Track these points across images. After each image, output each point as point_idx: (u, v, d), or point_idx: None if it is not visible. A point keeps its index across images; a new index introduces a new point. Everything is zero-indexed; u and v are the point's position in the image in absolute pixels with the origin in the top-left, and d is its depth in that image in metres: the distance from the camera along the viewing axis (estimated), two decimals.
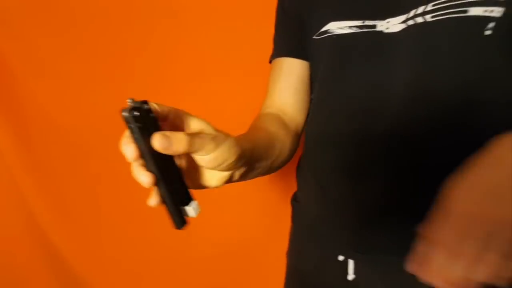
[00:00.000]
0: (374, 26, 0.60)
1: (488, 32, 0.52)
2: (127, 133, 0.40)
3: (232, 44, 1.03)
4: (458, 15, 0.53)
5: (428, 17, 0.56)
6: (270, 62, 0.77)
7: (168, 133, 0.39)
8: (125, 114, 0.37)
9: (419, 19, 0.56)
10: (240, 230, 1.11)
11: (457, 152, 0.50)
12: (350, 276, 0.66)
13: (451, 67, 0.55)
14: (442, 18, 0.54)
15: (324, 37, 0.65)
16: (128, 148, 0.40)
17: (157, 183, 0.39)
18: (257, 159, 0.56)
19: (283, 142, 0.65)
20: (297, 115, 0.73)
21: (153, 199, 0.43)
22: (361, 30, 0.61)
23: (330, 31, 0.64)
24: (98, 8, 1.07)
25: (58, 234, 1.15)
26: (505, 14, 0.50)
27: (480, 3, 0.51)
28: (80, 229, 1.15)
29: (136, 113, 0.37)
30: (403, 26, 0.58)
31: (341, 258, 0.67)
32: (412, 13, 0.57)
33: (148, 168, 0.39)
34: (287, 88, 0.73)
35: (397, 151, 0.59)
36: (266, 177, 0.68)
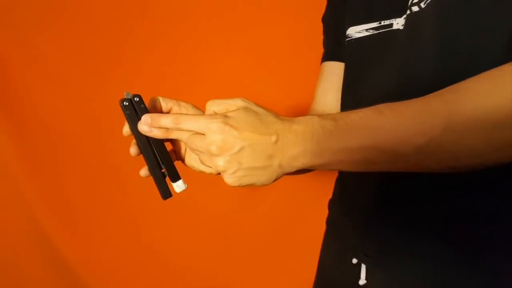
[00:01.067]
0: (390, 25, 0.61)
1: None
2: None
3: (232, 44, 1.03)
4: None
5: (422, 4, 0.56)
6: (322, 61, 0.83)
7: (145, 117, 0.50)
8: (120, 103, 0.50)
9: (414, 8, 0.57)
10: (240, 230, 1.11)
11: None
12: (362, 281, 0.66)
13: (437, 51, 0.54)
14: (429, 4, 0.55)
15: (347, 41, 0.69)
16: (124, 128, 0.53)
17: (145, 159, 0.52)
18: None
19: None
20: (338, 110, 0.76)
21: (142, 171, 0.55)
22: (378, 32, 0.63)
23: (349, 35, 0.68)
24: (98, 8, 1.06)
25: (58, 235, 1.15)
26: None
27: None
28: (80, 229, 1.15)
29: (126, 103, 0.50)
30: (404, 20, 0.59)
31: (355, 261, 0.68)
32: (409, 2, 0.57)
33: (136, 144, 0.52)
34: (328, 89, 0.77)
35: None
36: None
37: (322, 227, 0.81)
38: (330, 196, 0.81)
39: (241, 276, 1.13)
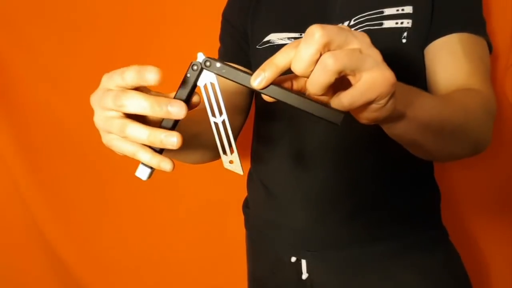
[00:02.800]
0: None
1: (404, 40, 0.62)
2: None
3: None
4: (376, 27, 0.62)
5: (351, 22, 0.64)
6: None
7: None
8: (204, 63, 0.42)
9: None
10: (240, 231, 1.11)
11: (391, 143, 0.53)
12: (304, 275, 0.70)
13: None
14: (361, 31, 0.58)
15: (265, 47, 0.71)
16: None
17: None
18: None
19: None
20: (235, 116, 0.75)
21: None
22: None
23: (271, 41, 0.71)
24: (98, 8, 1.07)
25: (58, 235, 1.15)
26: (413, 24, 0.61)
27: (392, 16, 0.62)
28: (80, 230, 1.15)
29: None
30: None
31: (293, 259, 0.71)
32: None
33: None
34: (226, 94, 0.78)
35: (330, 144, 0.66)
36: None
37: None
38: None
39: (241, 277, 1.13)
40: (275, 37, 0.70)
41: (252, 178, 0.80)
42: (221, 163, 0.44)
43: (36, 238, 1.15)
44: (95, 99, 0.45)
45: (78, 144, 1.11)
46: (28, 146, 1.11)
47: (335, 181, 0.66)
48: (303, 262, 0.69)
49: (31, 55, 1.08)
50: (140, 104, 0.39)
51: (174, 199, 1.12)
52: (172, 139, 0.39)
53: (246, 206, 0.83)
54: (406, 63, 0.62)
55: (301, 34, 0.67)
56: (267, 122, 0.75)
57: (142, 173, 0.44)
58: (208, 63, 0.41)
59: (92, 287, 1.17)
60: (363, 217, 0.66)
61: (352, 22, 0.64)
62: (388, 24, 0.62)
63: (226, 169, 0.44)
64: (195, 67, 0.42)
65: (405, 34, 0.62)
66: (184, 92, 0.43)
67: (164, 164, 0.40)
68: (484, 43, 0.63)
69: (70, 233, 1.15)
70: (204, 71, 0.42)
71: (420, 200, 0.69)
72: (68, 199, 1.14)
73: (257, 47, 0.73)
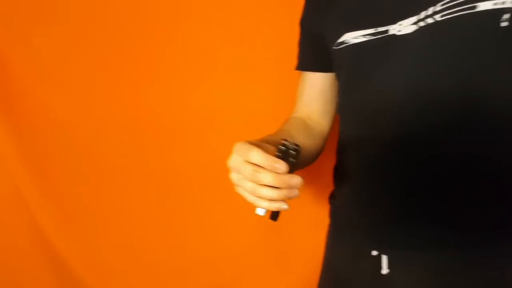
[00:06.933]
0: (386, 31, 0.64)
1: (504, 24, 0.52)
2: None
3: (233, 44, 1.03)
4: (467, 11, 0.54)
5: (437, 17, 0.58)
6: (296, 70, 0.86)
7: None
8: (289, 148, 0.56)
9: (429, 20, 0.59)
10: (240, 231, 1.11)
11: (473, 149, 0.54)
12: (384, 270, 0.68)
13: (461, 65, 0.57)
14: (451, 17, 0.56)
15: (341, 47, 0.70)
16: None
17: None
18: None
19: (304, 145, 0.70)
20: (321, 118, 0.82)
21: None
22: (375, 37, 0.65)
23: (346, 41, 0.69)
24: (99, 7, 1.06)
25: (58, 235, 1.15)
26: None
27: None
28: (81, 230, 1.15)
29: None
30: (414, 27, 0.60)
31: (374, 253, 0.69)
32: (422, 15, 0.59)
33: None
34: (310, 99, 0.83)
35: (414, 148, 0.62)
36: None
37: (323, 223, 0.81)
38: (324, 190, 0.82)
39: (241, 278, 1.13)
40: (349, 37, 0.69)
41: (338, 170, 0.80)
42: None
43: (36, 238, 1.15)
44: (233, 163, 0.56)
45: (78, 144, 1.10)
46: (28, 146, 1.11)
47: (422, 183, 0.63)
48: (384, 258, 0.68)
49: (31, 55, 1.08)
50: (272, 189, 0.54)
51: (175, 199, 1.12)
52: (296, 193, 0.54)
53: (333, 197, 0.83)
54: (508, 53, 0.54)
55: (376, 29, 0.64)
56: (352, 116, 0.75)
57: (260, 211, 0.58)
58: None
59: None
60: (460, 219, 0.60)
61: (438, 7, 0.57)
62: (483, 6, 0.53)
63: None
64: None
65: (505, 16, 0.52)
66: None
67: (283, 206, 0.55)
68: None
69: (70, 233, 1.15)
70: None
71: None
72: (68, 199, 1.14)
73: (333, 48, 0.72)
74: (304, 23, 0.82)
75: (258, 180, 0.52)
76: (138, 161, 1.08)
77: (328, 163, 0.83)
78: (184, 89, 1.06)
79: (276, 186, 0.52)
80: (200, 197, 1.11)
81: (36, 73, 1.09)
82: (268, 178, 0.51)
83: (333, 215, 0.83)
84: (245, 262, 1.12)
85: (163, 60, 1.07)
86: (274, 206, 0.54)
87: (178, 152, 1.08)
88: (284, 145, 0.55)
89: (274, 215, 0.58)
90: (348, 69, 0.72)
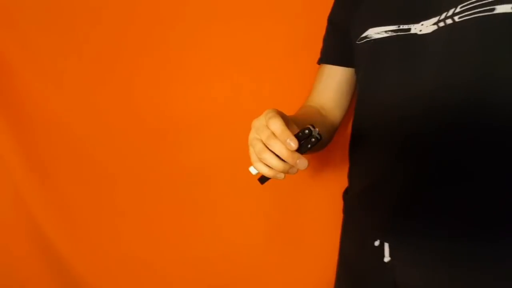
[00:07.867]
0: (408, 30, 0.66)
1: None
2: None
3: (233, 44, 1.03)
4: (485, 13, 0.56)
5: (456, 18, 0.60)
6: (318, 63, 0.88)
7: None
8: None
9: (449, 21, 0.61)
10: (240, 231, 1.11)
11: (487, 143, 0.55)
12: (386, 258, 0.70)
13: (476, 66, 0.58)
14: (469, 18, 0.58)
15: (363, 42, 0.73)
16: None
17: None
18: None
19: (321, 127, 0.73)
20: (334, 110, 0.85)
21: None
22: (396, 34, 0.67)
23: (368, 36, 0.71)
24: (99, 7, 1.06)
25: (58, 235, 1.15)
26: None
27: (506, 0, 0.54)
28: (81, 230, 1.15)
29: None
30: (434, 27, 0.62)
31: (377, 243, 0.71)
32: (443, 15, 0.61)
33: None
34: (326, 90, 0.85)
35: (426, 144, 0.63)
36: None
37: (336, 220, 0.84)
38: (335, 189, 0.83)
39: (241, 278, 1.13)
40: (372, 32, 0.71)
41: (352, 165, 0.83)
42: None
43: (36, 238, 1.15)
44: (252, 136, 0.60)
45: (78, 144, 1.10)
46: (28, 146, 1.11)
47: (428, 174, 0.64)
48: (386, 246, 0.69)
49: (31, 55, 1.08)
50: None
51: (175, 199, 1.11)
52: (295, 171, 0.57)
53: (346, 193, 0.85)
54: None
55: (398, 26, 0.66)
56: (367, 109, 0.77)
57: (253, 170, 0.60)
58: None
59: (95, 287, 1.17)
60: (465, 209, 0.60)
61: (458, 9, 0.59)
62: (501, 8, 0.54)
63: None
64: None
65: None
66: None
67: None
68: None
69: (70, 233, 1.15)
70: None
71: None
72: (69, 198, 1.14)
73: (356, 42, 0.75)
74: (333, 19, 0.85)
75: (268, 144, 0.54)
76: (138, 161, 1.08)
77: (344, 160, 0.86)
78: (184, 89, 1.05)
79: (282, 158, 0.54)
80: (201, 197, 1.11)
81: (36, 73, 1.09)
82: (276, 147, 0.54)
83: (346, 209, 0.85)
84: (250, 261, 1.12)
85: (163, 60, 1.07)
86: (271, 173, 0.57)
87: (179, 152, 1.08)
88: (309, 129, 0.56)
89: (263, 179, 0.60)
90: (367, 62, 0.74)
